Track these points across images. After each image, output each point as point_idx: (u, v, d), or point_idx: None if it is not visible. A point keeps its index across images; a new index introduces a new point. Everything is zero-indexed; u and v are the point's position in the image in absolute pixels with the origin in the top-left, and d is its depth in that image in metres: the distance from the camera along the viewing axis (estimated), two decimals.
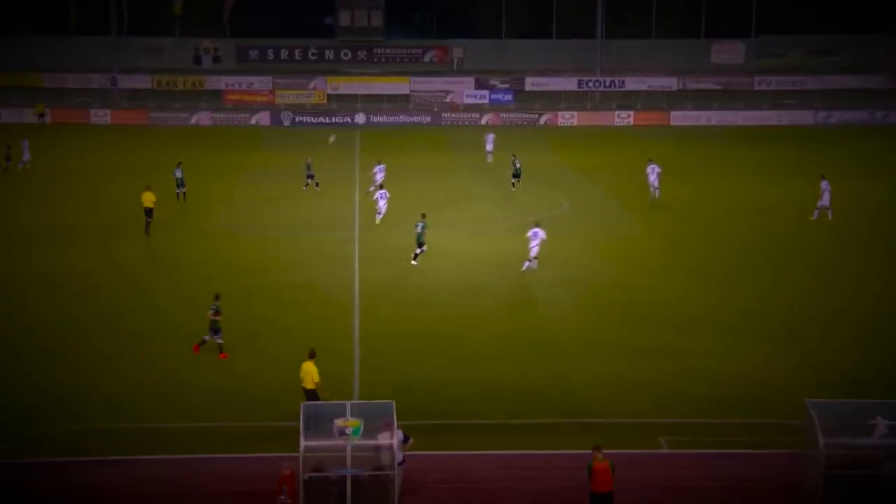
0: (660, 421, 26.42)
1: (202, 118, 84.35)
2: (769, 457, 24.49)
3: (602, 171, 63.26)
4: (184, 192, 51.54)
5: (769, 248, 44.07)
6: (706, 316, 34.75)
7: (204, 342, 30.32)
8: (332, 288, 37.72)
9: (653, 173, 53.07)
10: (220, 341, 30.06)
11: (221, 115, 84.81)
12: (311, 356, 25.95)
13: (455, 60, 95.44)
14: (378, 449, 22.00)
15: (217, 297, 30.23)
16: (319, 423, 21.93)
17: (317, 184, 54.02)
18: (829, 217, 47.60)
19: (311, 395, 25.47)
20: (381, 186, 49.14)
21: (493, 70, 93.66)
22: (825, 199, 47.87)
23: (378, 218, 46.52)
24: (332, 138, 44.73)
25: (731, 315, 34.97)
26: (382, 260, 41.72)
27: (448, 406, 27.31)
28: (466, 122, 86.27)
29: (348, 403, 22.93)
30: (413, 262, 40.16)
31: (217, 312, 29.95)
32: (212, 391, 27.95)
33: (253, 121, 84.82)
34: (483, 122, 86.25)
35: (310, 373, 25.64)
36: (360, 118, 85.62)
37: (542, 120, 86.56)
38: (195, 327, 32.75)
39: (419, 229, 40.68)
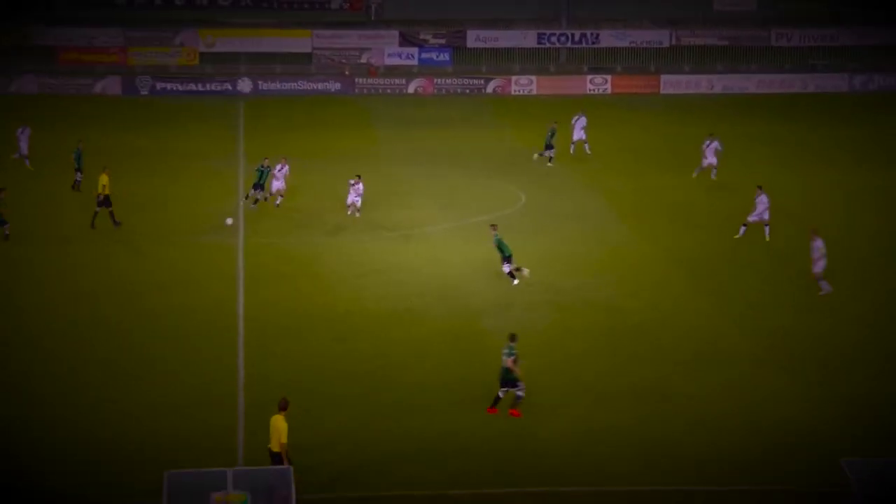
0: (651, 489, 26.59)
1: (26, 84, 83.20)
2: None
3: (569, 155, 63.63)
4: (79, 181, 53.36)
5: (792, 258, 44.69)
6: (712, 347, 35.10)
7: (498, 399, 30.32)
8: (209, 314, 37.42)
9: (709, 149, 56.95)
10: (520, 394, 30.21)
11: (54, 81, 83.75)
12: (282, 408, 25.74)
13: (373, 7, 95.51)
14: None
15: (513, 339, 30.45)
16: (191, 498, 21.70)
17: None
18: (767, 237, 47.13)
19: (277, 459, 25.32)
20: (358, 177, 49.79)
21: (423, 20, 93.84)
22: (762, 213, 46.61)
23: (354, 213, 48.98)
24: (228, 221, 44.75)
25: (744, 345, 35.36)
26: (276, 275, 41.54)
27: (368, 472, 27.21)
28: (388, 91, 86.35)
29: (229, 471, 22.73)
30: (515, 280, 40.84)
31: (515, 360, 30.09)
32: (54, 453, 27.62)
33: (98, 88, 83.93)
34: (411, 89, 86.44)
35: (278, 430, 25.47)
36: (245, 85, 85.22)
37: (490, 87, 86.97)
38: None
39: (505, 241, 41.21)
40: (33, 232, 46.62)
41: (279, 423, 25.50)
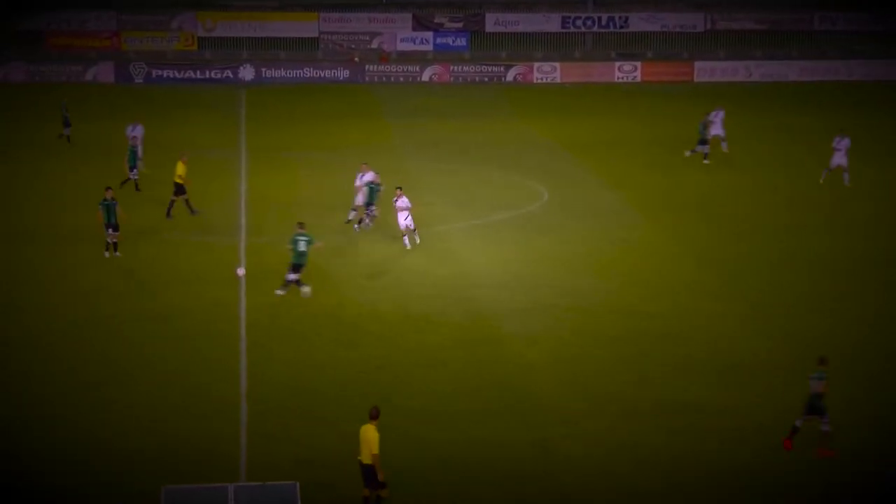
0: None
1: (13, 72, 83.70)
2: None
3: (596, 148, 63.85)
4: (135, 180, 53.18)
5: (830, 259, 44.94)
6: (742, 355, 35.20)
7: (796, 430, 29.19)
8: (209, 317, 37.72)
9: (841, 150, 55.40)
10: (826, 428, 28.71)
11: (42, 68, 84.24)
12: (373, 417, 25.87)
13: None
14: None
15: (823, 362, 29.41)
16: None
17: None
18: None
19: (369, 471, 25.56)
20: (399, 190, 45.59)
21: (438, 2, 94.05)
22: None
23: (412, 238, 45.41)
24: (240, 272, 41.51)
25: (777, 353, 35.41)
26: (279, 277, 41.81)
27: None
28: (401, 79, 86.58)
29: (231, 486, 22.94)
30: (280, 291, 39.43)
31: (821, 380, 28.84)
32: (54, 453, 27.96)
33: (89, 76, 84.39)
34: (425, 77, 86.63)
35: (368, 441, 25.62)
36: (247, 72, 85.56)
37: (511, 75, 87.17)
38: None
39: (302, 247, 39.62)
40: (34, 230, 47.16)
41: (370, 433, 25.58)
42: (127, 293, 40.13)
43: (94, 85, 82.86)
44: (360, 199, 47.58)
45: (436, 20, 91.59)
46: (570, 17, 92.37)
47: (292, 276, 39.77)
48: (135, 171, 53.22)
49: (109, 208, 43.40)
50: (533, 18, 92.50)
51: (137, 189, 52.82)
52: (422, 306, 39.28)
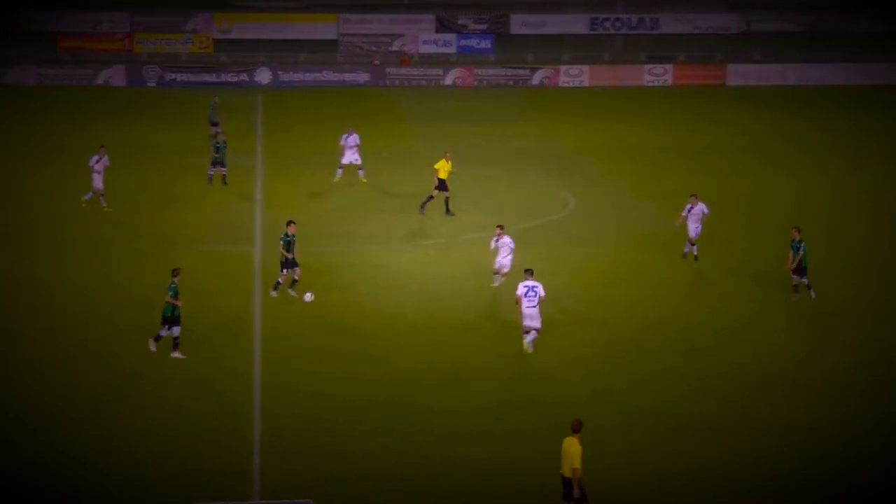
0: None
1: (23, 75, 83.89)
2: None
3: (624, 154, 63.63)
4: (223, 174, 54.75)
5: (879, 267, 44.66)
6: (796, 369, 34.91)
7: None
8: (222, 328, 37.52)
9: None
10: None
11: (52, 72, 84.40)
12: (576, 430, 25.75)
13: None
14: None
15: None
16: None
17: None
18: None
19: (569, 486, 25.41)
20: (500, 229, 42.05)
21: (462, 3, 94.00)
22: None
23: (497, 280, 42.08)
24: (308, 297, 38.84)
25: (833, 368, 35.13)
26: (301, 288, 41.61)
27: None
28: (423, 82, 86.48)
29: None
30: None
31: None
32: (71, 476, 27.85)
33: (100, 79, 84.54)
34: (448, 80, 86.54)
35: (571, 454, 25.50)
36: (264, 75, 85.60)
37: (537, 78, 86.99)
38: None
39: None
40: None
41: (573, 447, 25.48)
42: (133, 302, 39.78)
43: (105, 88, 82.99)
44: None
45: (459, 22, 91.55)
46: (598, 19, 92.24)
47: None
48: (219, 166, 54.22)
49: (289, 244, 40.37)
50: (560, 19, 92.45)
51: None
52: (448, 318, 39.00)
